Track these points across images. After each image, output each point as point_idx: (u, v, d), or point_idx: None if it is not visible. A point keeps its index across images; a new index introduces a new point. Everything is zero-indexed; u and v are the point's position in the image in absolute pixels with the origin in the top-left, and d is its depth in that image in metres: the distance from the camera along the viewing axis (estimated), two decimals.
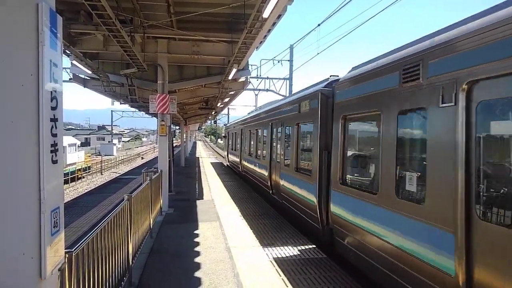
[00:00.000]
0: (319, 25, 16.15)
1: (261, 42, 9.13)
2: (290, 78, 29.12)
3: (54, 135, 2.03)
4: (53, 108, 2.02)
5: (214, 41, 9.44)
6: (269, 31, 8.38)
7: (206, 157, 39.48)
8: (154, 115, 29.76)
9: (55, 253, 2.09)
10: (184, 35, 9.13)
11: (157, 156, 42.52)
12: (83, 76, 13.28)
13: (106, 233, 3.98)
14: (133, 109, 35.37)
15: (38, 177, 1.92)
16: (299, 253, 6.98)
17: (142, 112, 30.93)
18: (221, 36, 9.07)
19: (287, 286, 5.31)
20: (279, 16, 7.68)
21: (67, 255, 2.44)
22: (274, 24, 8.13)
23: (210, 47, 9.98)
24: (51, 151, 2.00)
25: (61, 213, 2.16)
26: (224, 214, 10.34)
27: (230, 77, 11.31)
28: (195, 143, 76.21)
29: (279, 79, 29.24)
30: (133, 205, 5.63)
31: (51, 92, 1.99)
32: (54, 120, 2.02)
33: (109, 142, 60.37)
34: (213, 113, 28.28)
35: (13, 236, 1.92)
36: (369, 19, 11.58)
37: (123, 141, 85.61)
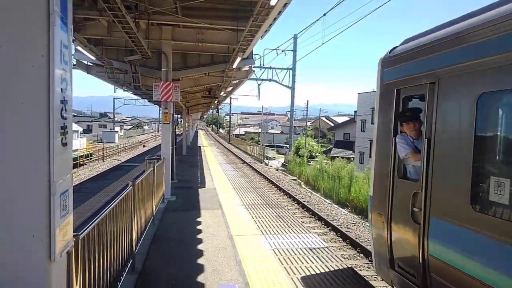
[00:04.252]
0: (324, 14, 16.00)
1: (266, 31, 9.03)
2: (293, 68, 28.98)
3: (64, 118, 2.02)
4: (63, 90, 2.00)
5: (219, 29, 9.34)
6: (274, 19, 8.28)
7: (208, 146, 39.56)
8: (157, 103, 29.68)
9: (64, 236, 2.09)
10: (189, 22, 9.03)
11: (158, 144, 42.48)
12: (86, 63, 13.21)
13: (111, 218, 4.00)
14: (135, 97, 35.31)
15: (48, 159, 1.91)
16: (301, 242, 7.02)
17: (145, 100, 30.90)
18: (226, 24, 8.97)
19: (289, 275, 5.35)
20: (285, 5, 7.59)
21: (74, 238, 2.45)
22: (280, 12, 8.04)
23: (215, 35, 9.89)
24: (61, 134, 1.99)
25: (70, 196, 2.16)
26: (226, 202, 10.39)
27: (235, 65, 11.24)
28: (196, 132, 76.29)
29: (282, 69, 29.09)
30: (137, 192, 5.64)
31: (61, 74, 1.97)
32: (64, 102, 2.01)
33: (111, 129, 60.45)
34: (215, 102, 28.21)
35: (23, 218, 1.92)
36: (378, 7, 11.32)
37: (125, 129, 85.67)
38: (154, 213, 7.94)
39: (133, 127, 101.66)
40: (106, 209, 3.80)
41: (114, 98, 60.52)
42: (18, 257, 1.93)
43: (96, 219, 3.39)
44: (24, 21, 1.84)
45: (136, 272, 5.27)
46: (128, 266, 5.02)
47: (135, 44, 9.04)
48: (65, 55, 2.01)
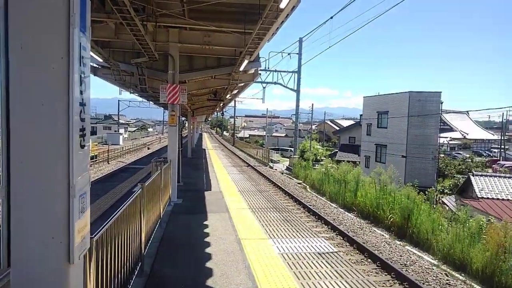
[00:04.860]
0: (331, 17, 15.97)
1: (273, 34, 9.02)
2: (298, 72, 28.94)
3: (83, 120, 2.01)
4: (82, 92, 1.99)
5: (226, 31, 9.35)
6: (281, 23, 8.27)
7: (213, 149, 39.56)
8: (162, 105, 29.72)
9: (82, 238, 2.08)
10: (196, 24, 9.04)
11: (163, 147, 42.63)
12: (93, 65, 13.28)
13: (122, 220, 3.99)
14: (139, 99, 35.41)
15: (67, 161, 1.90)
16: (309, 246, 6.97)
17: (150, 102, 30.98)
18: (234, 27, 8.97)
19: (299, 279, 5.30)
20: (293, 8, 7.57)
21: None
22: (287, 16, 8.03)
23: (222, 38, 9.89)
24: (80, 136, 1.98)
25: (87, 198, 2.15)
26: (233, 206, 10.36)
27: (242, 68, 11.23)
28: (201, 134, 76.45)
29: (288, 72, 29.06)
30: (146, 194, 5.63)
31: (80, 76, 1.97)
32: (82, 104, 2.00)
33: (115, 131, 60.63)
34: (221, 105, 28.23)
35: (42, 220, 1.91)
36: (388, 10, 11.22)
37: (129, 131, 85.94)
38: (161, 216, 7.92)
39: (138, 129, 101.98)
40: (118, 211, 3.79)
41: (119, 100, 60.74)
42: (37, 259, 1.92)
43: (109, 221, 3.37)
44: (44, 23, 1.84)
45: (145, 275, 5.25)
46: (137, 269, 5.01)
47: (143, 47, 9.06)
48: (84, 57, 2.00)
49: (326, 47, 18.22)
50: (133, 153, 39.76)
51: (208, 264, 5.76)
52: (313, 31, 20.85)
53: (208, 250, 6.45)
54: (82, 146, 2.02)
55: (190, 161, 23.91)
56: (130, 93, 15.94)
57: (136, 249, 4.96)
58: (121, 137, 56.52)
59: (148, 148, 47.66)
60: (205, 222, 8.37)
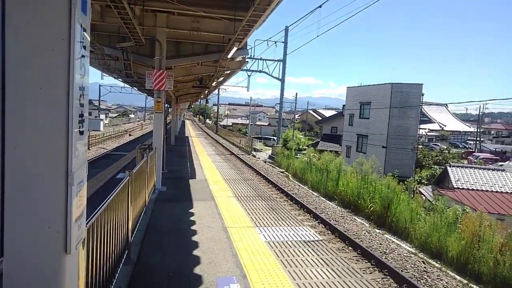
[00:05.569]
0: (320, 6, 15.88)
1: (263, 21, 8.94)
2: (283, 60, 28.87)
3: (82, 105, 1.92)
4: (82, 76, 1.91)
5: (216, 17, 9.18)
6: (273, 9, 8.20)
7: (196, 137, 39.27)
8: (145, 91, 29.11)
9: (79, 227, 2.02)
10: (185, 9, 8.85)
11: (145, 133, 41.94)
12: None
13: (111, 208, 3.92)
14: (121, 84, 34.64)
15: (66, 148, 1.82)
16: (295, 234, 7.06)
17: (132, 88, 30.36)
18: (224, 13, 8.82)
19: (286, 267, 5.38)
20: None
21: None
22: (278, 3, 7.96)
23: (211, 24, 9.72)
24: (79, 121, 1.90)
25: (85, 186, 2.09)
26: (218, 194, 10.35)
27: (230, 55, 11.10)
28: (183, 122, 75.64)
29: (273, 60, 28.94)
30: (133, 181, 5.55)
31: (81, 59, 1.88)
32: (82, 89, 1.92)
33: (96, 117, 59.20)
34: (206, 92, 27.93)
35: (39, 209, 1.84)
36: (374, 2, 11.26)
37: (110, 117, 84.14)
38: (146, 204, 7.85)
39: (119, 115, 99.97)
40: (108, 199, 3.73)
41: (100, 85, 59.16)
42: (33, 249, 1.85)
43: (99, 208, 3.32)
44: (45, 2, 1.74)
45: (132, 263, 5.21)
46: (125, 257, 4.96)
47: (129, 31, 8.81)
48: (85, 39, 1.92)
49: (314, 36, 18.18)
50: (114, 139, 39.03)
51: (196, 252, 5.77)
52: (301, 19, 20.72)
53: (195, 238, 6.45)
54: (81, 133, 1.96)
55: (174, 148, 23.67)
56: (114, 78, 15.56)
57: (124, 237, 4.91)
58: (102, 123, 55.29)
59: (130, 135, 46.88)
60: (191, 210, 8.34)
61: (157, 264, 5.28)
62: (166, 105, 32.87)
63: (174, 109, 30.60)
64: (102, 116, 65.39)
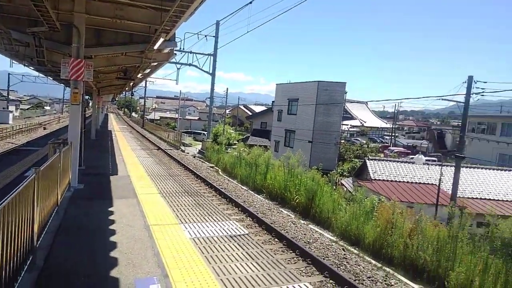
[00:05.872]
0: (250, 2, 15.93)
1: (191, 13, 8.67)
2: (214, 55, 28.59)
3: None
4: None
5: (141, 6, 8.66)
6: (201, 2, 7.99)
7: (120, 131, 37.20)
8: (63, 82, 26.80)
9: None
10: None
11: (62, 127, 38.78)
12: None
13: (7, 211, 3.47)
14: (35, 73, 31.41)
15: None
16: (221, 229, 7.02)
17: (49, 77, 27.70)
18: (150, 2, 8.34)
19: (210, 263, 5.30)
20: None
21: None
22: None
23: (136, 13, 9.14)
24: None
25: None
26: (142, 191, 9.89)
27: (156, 46, 10.60)
28: (107, 115, 71.23)
29: (204, 54, 28.48)
30: (41, 180, 5.02)
31: None
32: None
33: (3, 108, 53.02)
34: (131, 84, 26.53)
35: None
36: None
37: (21, 109, 75.94)
38: (59, 203, 7.19)
39: (32, 107, 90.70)
40: (3, 201, 3.29)
41: (9, 74, 52.96)
42: None
43: None
44: None
45: (38, 268, 4.70)
46: (28, 263, 4.46)
47: (42, 14, 7.91)
48: None
49: (244, 32, 18.20)
50: (26, 133, 35.39)
51: (113, 254, 5.41)
52: (232, 14, 20.63)
53: (113, 238, 6.06)
54: None
55: (94, 143, 22.14)
56: (24, 65, 13.96)
57: (27, 241, 4.42)
58: (10, 115, 49.75)
59: (45, 128, 42.88)
60: (110, 209, 7.84)
61: (68, 268, 4.84)
62: (87, 97, 30.68)
63: (95, 101, 28.63)
64: (12, 108, 58.89)
